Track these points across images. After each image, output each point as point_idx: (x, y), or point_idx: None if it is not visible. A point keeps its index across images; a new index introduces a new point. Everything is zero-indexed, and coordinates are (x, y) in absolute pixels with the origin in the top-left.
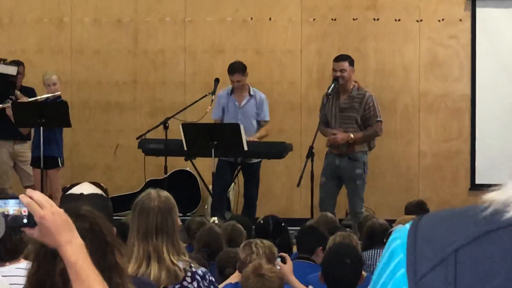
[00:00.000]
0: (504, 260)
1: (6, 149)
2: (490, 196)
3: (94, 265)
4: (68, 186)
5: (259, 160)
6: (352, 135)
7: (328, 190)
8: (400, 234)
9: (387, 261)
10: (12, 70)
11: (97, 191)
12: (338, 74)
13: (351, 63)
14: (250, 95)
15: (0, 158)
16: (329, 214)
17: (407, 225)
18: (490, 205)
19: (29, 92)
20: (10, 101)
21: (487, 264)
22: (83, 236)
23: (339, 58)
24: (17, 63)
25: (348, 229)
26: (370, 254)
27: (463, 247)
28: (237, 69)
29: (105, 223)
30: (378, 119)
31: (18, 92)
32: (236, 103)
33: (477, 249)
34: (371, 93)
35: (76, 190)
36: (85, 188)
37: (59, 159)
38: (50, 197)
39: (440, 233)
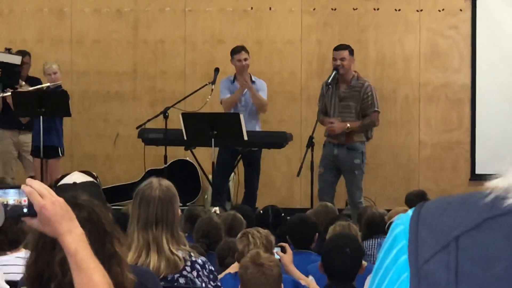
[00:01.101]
0: (505, 246)
1: (10, 139)
2: (492, 183)
3: (93, 254)
4: (59, 177)
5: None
6: (349, 125)
7: (327, 181)
8: (402, 221)
9: (389, 247)
10: (16, 60)
11: (89, 179)
12: (338, 63)
13: (351, 52)
14: (252, 81)
15: (4, 147)
16: (329, 204)
17: (410, 212)
18: (492, 192)
19: (35, 82)
20: (10, 90)
21: (489, 251)
22: (81, 226)
23: (339, 47)
24: (23, 53)
25: (348, 219)
26: (370, 244)
27: (464, 234)
28: (242, 48)
29: (103, 212)
30: (376, 109)
31: (23, 82)
32: None
33: (478, 235)
34: (371, 83)
35: (67, 180)
36: (77, 177)
37: (59, 148)
38: (50, 186)
39: (442, 220)
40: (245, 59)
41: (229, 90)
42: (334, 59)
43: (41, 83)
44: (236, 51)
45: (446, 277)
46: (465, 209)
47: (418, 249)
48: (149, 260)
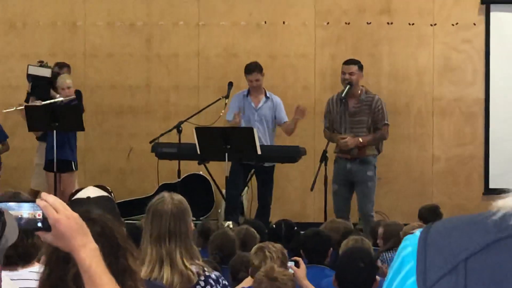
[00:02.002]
0: None
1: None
2: (500, 203)
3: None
4: (73, 191)
5: (273, 164)
6: (361, 139)
7: (341, 197)
8: (410, 242)
9: (397, 269)
10: (46, 72)
11: (103, 193)
12: (347, 77)
13: (361, 68)
14: (266, 97)
15: (40, 160)
16: (339, 219)
17: (417, 233)
18: (499, 212)
19: (75, 94)
20: (24, 105)
21: (498, 272)
22: (94, 240)
23: (349, 62)
24: (60, 65)
25: (361, 233)
26: (385, 257)
27: (473, 256)
28: (255, 68)
29: (116, 226)
30: (386, 122)
31: (57, 94)
32: (253, 104)
33: (487, 257)
34: (379, 97)
35: (82, 194)
36: (91, 192)
37: (73, 162)
38: (64, 201)
39: (450, 241)
40: (257, 80)
41: (239, 109)
42: (343, 73)
43: (81, 95)
44: (248, 71)
45: None
46: (473, 230)
47: (427, 270)
48: (163, 274)
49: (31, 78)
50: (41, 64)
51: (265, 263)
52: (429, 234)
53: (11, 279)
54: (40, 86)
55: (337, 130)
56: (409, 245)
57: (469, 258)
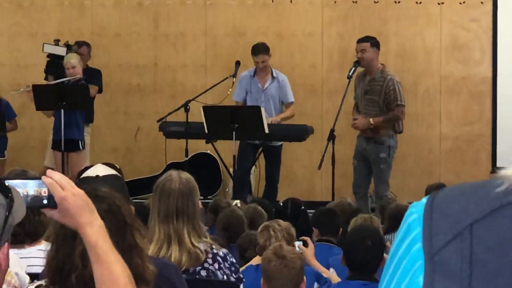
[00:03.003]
0: None
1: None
2: (505, 172)
3: (113, 246)
4: (82, 169)
5: (281, 143)
6: (371, 121)
7: (360, 173)
8: (416, 209)
9: (403, 236)
10: (61, 51)
11: (112, 171)
12: (359, 55)
13: (374, 44)
14: (273, 77)
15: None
16: (347, 200)
17: (424, 200)
18: (505, 180)
19: (94, 73)
20: (31, 86)
21: (503, 238)
22: (101, 217)
23: (361, 40)
24: (79, 43)
25: (372, 212)
26: (392, 237)
27: (478, 221)
28: (261, 49)
29: (123, 203)
30: (399, 102)
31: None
32: (259, 85)
33: (492, 223)
34: (394, 77)
35: (91, 172)
36: (100, 170)
37: (80, 141)
38: (72, 179)
39: (456, 207)
40: (263, 62)
41: (244, 89)
42: (356, 51)
43: (100, 74)
44: (255, 52)
45: (460, 264)
46: (478, 197)
47: (432, 237)
48: (171, 253)
49: (49, 56)
50: (57, 43)
51: (269, 242)
52: (435, 200)
53: (20, 258)
54: (57, 65)
55: (358, 106)
56: (415, 211)
57: (474, 223)
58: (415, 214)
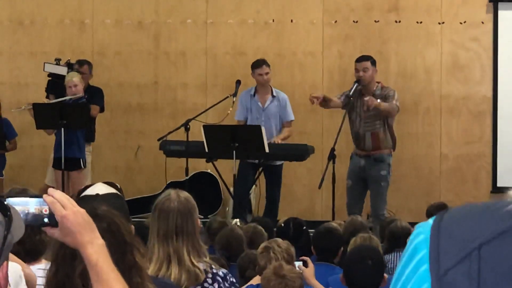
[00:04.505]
0: None
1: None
2: None
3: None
4: (82, 188)
5: (281, 162)
6: (379, 100)
7: (354, 194)
8: (423, 229)
9: (410, 256)
10: (62, 70)
11: (112, 190)
12: (361, 74)
13: (373, 63)
14: (273, 96)
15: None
16: (359, 218)
17: (430, 220)
18: None
19: (96, 92)
20: (32, 103)
21: (511, 261)
22: (101, 236)
23: (361, 58)
24: (80, 62)
25: (369, 231)
26: (391, 257)
27: (486, 243)
28: (263, 62)
29: (123, 222)
30: (396, 103)
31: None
32: (259, 104)
33: (500, 245)
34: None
35: (91, 191)
36: (100, 188)
37: (81, 160)
38: (73, 197)
39: (464, 229)
40: (266, 73)
41: (246, 108)
42: (357, 70)
43: (102, 93)
44: (257, 65)
45: (468, 286)
46: (487, 218)
47: (440, 258)
48: (170, 273)
49: (50, 75)
50: (58, 63)
51: (270, 263)
52: (442, 221)
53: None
54: (58, 84)
55: (352, 125)
56: (422, 232)
57: (483, 245)
58: (422, 235)
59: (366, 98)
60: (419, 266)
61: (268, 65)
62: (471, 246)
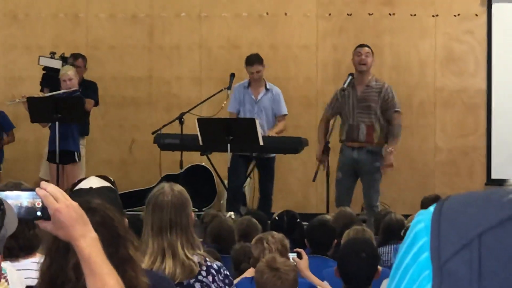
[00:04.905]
0: None
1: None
2: None
3: (107, 258)
4: (76, 182)
5: (274, 155)
6: (391, 148)
7: (344, 186)
8: (423, 217)
9: (410, 244)
10: (57, 64)
11: (105, 184)
12: (364, 57)
13: (373, 53)
14: (266, 89)
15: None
16: (348, 209)
17: (431, 208)
18: None
19: (90, 86)
20: (25, 97)
21: None
22: (94, 230)
23: (364, 45)
24: (75, 56)
25: (363, 224)
26: (386, 250)
27: (487, 231)
28: (256, 60)
29: (116, 216)
30: (397, 109)
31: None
32: (253, 97)
33: (501, 233)
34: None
35: (84, 184)
36: (94, 182)
37: (75, 153)
38: (66, 191)
39: (464, 217)
40: (258, 72)
41: (239, 100)
42: (359, 54)
43: (96, 87)
44: (249, 63)
45: (469, 275)
46: (487, 206)
47: (441, 246)
48: (165, 266)
49: (45, 69)
50: (53, 56)
51: (263, 255)
52: (443, 209)
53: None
54: (52, 77)
55: (346, 117)
56: (422, 220)
57: (483, 233)
58: (422, 223)
59: (387, 166)
60: (420, 254)
61: (261, 62)
62: (472, 234)
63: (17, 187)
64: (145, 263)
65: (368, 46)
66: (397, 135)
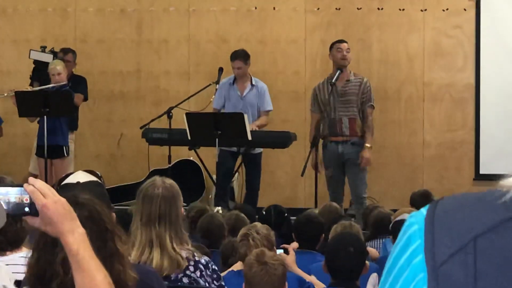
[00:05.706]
0: None
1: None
2: (508, 181)
3: (94, 252)
4: (63, 176)
5: (260, 150)
6: (368, 145)
7: (337, 182)
8: (416, 220)
9: (403, 247)
10: (47, 58)
11: (93, 178)
12: (345, 53)
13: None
14: (252, 84)
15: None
16: (333, 204)
17: (423, 210)
18: (509, 191)
19: (79, 80)
20: (14, 91)
21: (508, 252)
22: (82, 224)
23: (342, 41)
24: (66, 51)
25: (352, 219)
26: (374, 244)
27: (482, 235)
28: (238, 56)
29: (104, 210)
30: (372, 103)
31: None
32: (238, 93)
33: (496, 236)
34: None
35: (71, 179)
36: (81, 177)
37: (64, 148)
38: (54, 186)
39: (458, 220)
40: (239, 68)
41: (224, 97)
42: (340, 50)
43: (85, 82)
44: (231, 58)
45: (465, 278)
46: (481, 209)
47: (435, 249)
48: (152, 258)
49: (35, 63)
50: (43, 50)
51: (250, 252)
52: (436, 211)
53: (5, 264)
54: (42, 71)
55: (327, 112)
56: (415, 222)
57: (478, 237)
58: (415, 225)
59: (363, 160)
60: (414, 257)
61: (244, 58)
62: (467, 237)
63: (1, 181)
64: (133, 254)
65: (346, 42)
66: (372, 130)
